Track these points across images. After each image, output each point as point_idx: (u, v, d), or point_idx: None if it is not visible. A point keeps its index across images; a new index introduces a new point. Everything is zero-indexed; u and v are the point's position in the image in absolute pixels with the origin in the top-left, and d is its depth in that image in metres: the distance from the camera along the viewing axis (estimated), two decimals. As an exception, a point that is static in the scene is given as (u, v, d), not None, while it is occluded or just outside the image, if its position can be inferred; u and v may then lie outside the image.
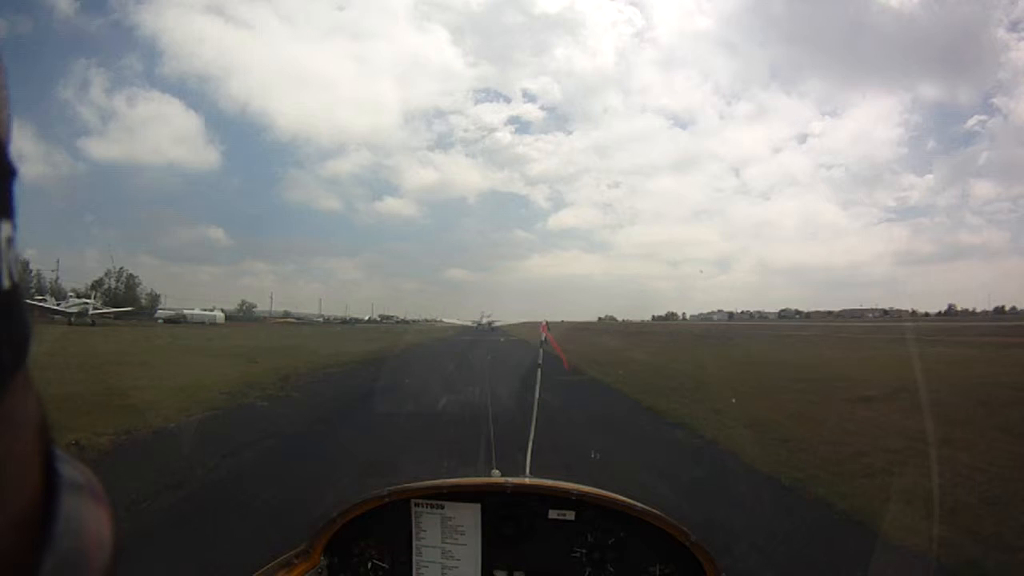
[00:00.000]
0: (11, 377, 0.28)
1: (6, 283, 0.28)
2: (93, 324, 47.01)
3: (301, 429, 8.77)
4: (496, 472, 1.97)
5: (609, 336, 42.58)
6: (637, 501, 1.68)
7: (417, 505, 1.73)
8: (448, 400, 10.73)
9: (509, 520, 1.72)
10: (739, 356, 23.18)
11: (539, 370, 2.77)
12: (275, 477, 5.99)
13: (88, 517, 0.34)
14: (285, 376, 15.01)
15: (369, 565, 1.75)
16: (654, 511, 1.66)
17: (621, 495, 1.70)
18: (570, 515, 1.71)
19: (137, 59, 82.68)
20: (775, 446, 7.61)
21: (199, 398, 10.89)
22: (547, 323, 3.15)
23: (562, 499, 1.71)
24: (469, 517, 1.71)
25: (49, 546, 0.30)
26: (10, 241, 0.28)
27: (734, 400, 10.83)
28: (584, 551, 1.71)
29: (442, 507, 1.72)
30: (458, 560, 1.71)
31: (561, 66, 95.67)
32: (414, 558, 1.73)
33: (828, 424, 9.03)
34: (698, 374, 15.92)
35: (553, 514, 1.71)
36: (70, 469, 0.34)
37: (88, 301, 52.94)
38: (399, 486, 1.73)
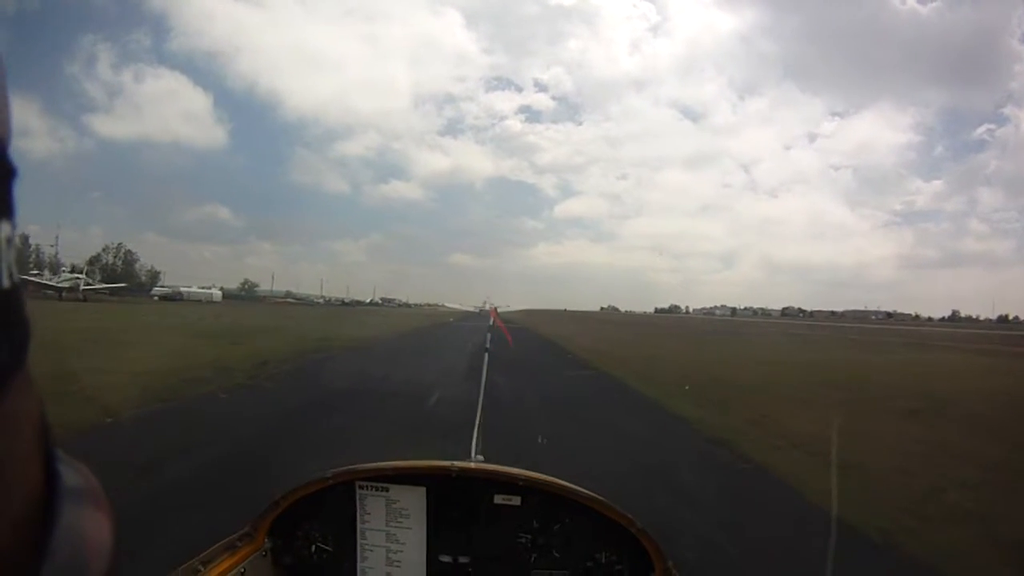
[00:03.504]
0: (11, 377, 0.28)
1: (6, 283, 0.27)
2: (84, 300, 46.09)
3: (256, 431, 7.44)
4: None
5: (612, 326, 41.57)
6: (582, 487, 1.64)
7: (361, 488, 1.68)
8: (439, 397, 9.41)
9: (454, 504, 1.67)
10: (764, 357, 21.53)
11: (486, 354, 2.89)
12: (197, 506, 4.59)
13: (88, 517, 0.34)
14: (263, 362, 13.74)
15: (313, 548, 1.70)
16: (599, 498, 1.62)
17: (568, 481, 1.65)
18: (516, 500, 1.66)
19: (145, 34, 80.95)
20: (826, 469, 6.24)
21: (155, 386, 9.57)
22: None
23: (508, 484, 1.66)
24: (414, 501, 1.66)
25: (49, 546, 0.30)
26: (9, 241, 0.28)
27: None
28: (530, 536, 1.67)
29: (387, 490, 1.67)
30: (403, 544, 1.66)
31: (574, 57, 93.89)
32: (359, 541, 1.68)
33: (884, 444, 7.64)
34: (711, 372, 14.54)
35: (499, 499, 1.67)
36: (70, 469, 0.34)
37: (80, 276, 52.04)
38: (343, 468, 1.66)
